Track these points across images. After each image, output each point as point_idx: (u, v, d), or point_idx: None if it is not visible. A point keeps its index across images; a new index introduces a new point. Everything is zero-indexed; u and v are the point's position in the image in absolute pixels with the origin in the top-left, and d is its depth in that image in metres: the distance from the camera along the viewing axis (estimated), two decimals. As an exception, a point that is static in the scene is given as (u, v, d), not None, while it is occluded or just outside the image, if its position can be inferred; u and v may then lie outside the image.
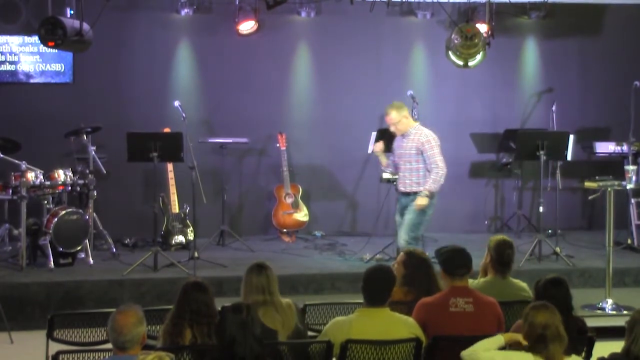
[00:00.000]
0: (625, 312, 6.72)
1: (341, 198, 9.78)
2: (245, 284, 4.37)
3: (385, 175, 8.54)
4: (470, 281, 4.67)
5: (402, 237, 7.11)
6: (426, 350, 4.20)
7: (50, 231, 7.42)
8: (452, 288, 4.40)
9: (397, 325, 4.20)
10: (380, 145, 7.47)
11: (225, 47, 9.39)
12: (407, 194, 7.20)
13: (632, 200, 8.74)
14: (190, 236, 8.50)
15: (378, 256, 7.99)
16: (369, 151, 8.62)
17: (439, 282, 4.76)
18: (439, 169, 7.08)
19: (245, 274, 4.41)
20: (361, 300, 4.32)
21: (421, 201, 7.06)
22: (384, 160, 7.51)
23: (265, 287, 4.30)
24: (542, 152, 7.90)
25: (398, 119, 7.21)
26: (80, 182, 7.88)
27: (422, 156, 7.14)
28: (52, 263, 7.42)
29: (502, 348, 3.86)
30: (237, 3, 8.93)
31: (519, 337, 3.78)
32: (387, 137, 8.13)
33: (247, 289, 4.34)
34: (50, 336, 4.64)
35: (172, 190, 8.66)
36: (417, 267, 4.84)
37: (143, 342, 3.62)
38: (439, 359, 4.20)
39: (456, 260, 4.46)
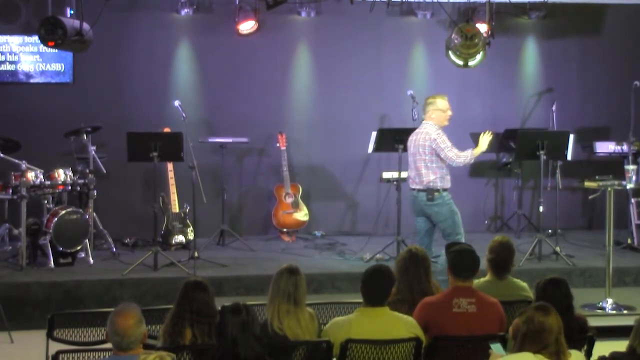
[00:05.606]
0: (625, 311, 6.72)
1: (341, 198, 9.78)
2: (273, 285, 4.27)
3: (386, 175, 8.54)
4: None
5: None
6: (426, 349, 4.20)
7: (51, 231, 7.42)
8: (455, 288, 4.39)
9: (397, 324, 4.19)
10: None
11: (225, 47, 9.38)
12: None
13: (632, 200, 8.73)
14: (190, 236, 8.50)
15: (378, 256, 7.98)
16: (369, 151, 8.62)
17: (425, 282, 4.68)
18: None
19: (275, 276, 4.31)
20: (361, 300, 4.31)
21: None
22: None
23: (291, 294, 4.19)
24: (542, 152, 7.89)
25: None
26: (80, 181, 7.87)
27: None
28: (52, 263, 7.43)
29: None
30: (237, 3, 8.92)
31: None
32: (386, 137, 8.14)
33: (274, 290, 4.25)
34: (50, 336, 4.64)
35: (172, 189, 8.66)
36: (400, 266, 4.73)
37: (144, 341, 3.62)
38: (439, 358, 4.20)
39: (463, 263, 4.43)
